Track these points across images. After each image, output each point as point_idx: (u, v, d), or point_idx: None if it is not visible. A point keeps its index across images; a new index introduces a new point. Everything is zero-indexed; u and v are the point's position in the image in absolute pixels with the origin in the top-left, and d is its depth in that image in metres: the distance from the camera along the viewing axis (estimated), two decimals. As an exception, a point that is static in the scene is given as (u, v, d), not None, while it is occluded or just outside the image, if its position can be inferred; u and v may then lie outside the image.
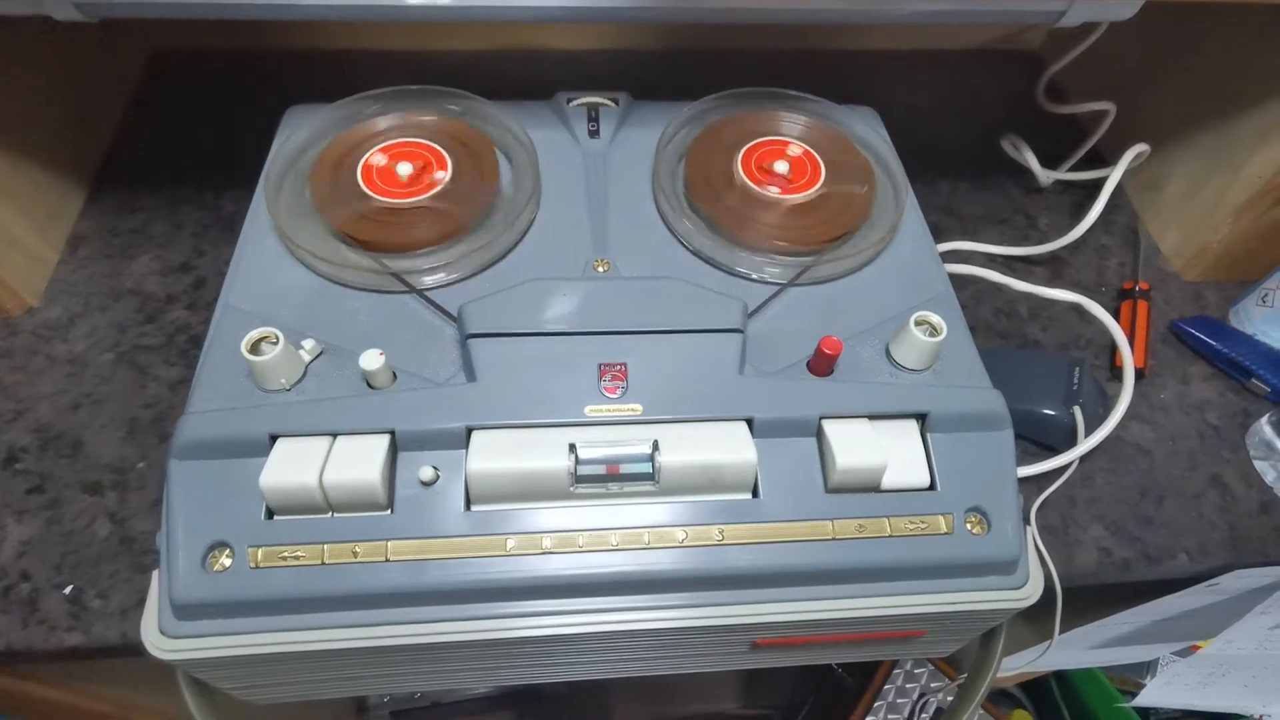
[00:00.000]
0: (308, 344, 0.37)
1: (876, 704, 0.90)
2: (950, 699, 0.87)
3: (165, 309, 0.55)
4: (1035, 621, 0.63)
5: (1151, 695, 0.70)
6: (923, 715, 0.89)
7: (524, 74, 0.73)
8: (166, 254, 0.58)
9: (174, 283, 0.56)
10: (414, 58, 0.74)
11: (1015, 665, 0.67)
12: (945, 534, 0.36)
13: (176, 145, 0.65)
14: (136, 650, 0.42)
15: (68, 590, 0.43)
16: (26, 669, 0.55)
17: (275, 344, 0.35)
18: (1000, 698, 1.01)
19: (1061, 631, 0.54)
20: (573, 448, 0.34)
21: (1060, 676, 0.98)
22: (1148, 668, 0.79)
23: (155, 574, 0.33)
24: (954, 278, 0.46)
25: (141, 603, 0.42)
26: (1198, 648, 0.66)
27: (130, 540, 0.45)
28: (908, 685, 0.91)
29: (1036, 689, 1.01)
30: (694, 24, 0.68)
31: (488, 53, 0.75)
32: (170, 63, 0.72)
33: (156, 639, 0.32)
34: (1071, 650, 0.67)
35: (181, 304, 0.55)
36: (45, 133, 0.56)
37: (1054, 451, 0.51)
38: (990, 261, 0.62)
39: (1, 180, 0.51)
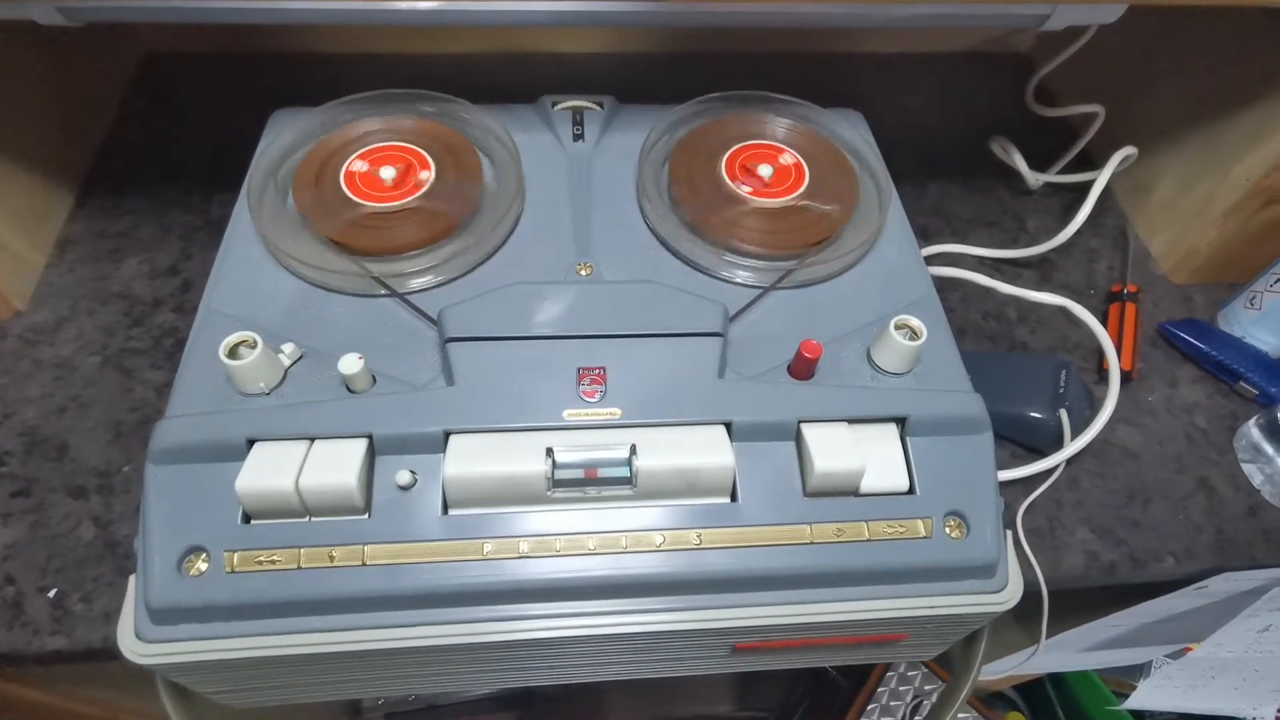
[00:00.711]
0: (288, 348, 0.37)
1: (870, 706, 0.90)
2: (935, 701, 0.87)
3: (153, 312, 0.55)
4: (1026, 623, 0.63)
5: (1143, 698, 0.69)
6: (916, 718, 0.88)
7: (512, 77, 0.73)
8: (154, 257, 0.58)
9: (161, 286, 0.56)
10: (404, 61, 0.74)
11: (1004, 668, 0.67)
12: (924, 538, 0.36)
13: (165, 148, 0.65)
14: (118, 654, 0.43)
15: (51, 594, 0.43)
16: (12, 671, 0.55)
17: (253, 348, 0.35)
18: (995, 700, 1.01)
19: (1051, 634, 0.54)
20: (550, 452, 0.34)
21: (1055, 678, 0.98)
22: (1141, 670, 0.79)
23: (132, 579, 0.33)
24: (942, 280, 0.46)
25: (124, 607, 0.43)
26: (1191, 649, 0.66)
27: (114, 544, 0.45)
28: (901, 688, 0.91)
29: (1032, 691, 1.01)
30: (682, 27, 0.68)
31: (477, 55, 0.75)
32: (160, 66, 0.72)
33: (133, 644, 0.32)
34: (1062, 653, 0.67)
35: (169, 307, 0.55)
36: (34, 136, 0.56)
37: (1041, 454, 0.51)
38: (979, 264, 0.62)
39: (-11, 184, 0.51)
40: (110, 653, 0.43)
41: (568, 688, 1.08)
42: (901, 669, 0.91)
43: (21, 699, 0.58)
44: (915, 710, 0.89)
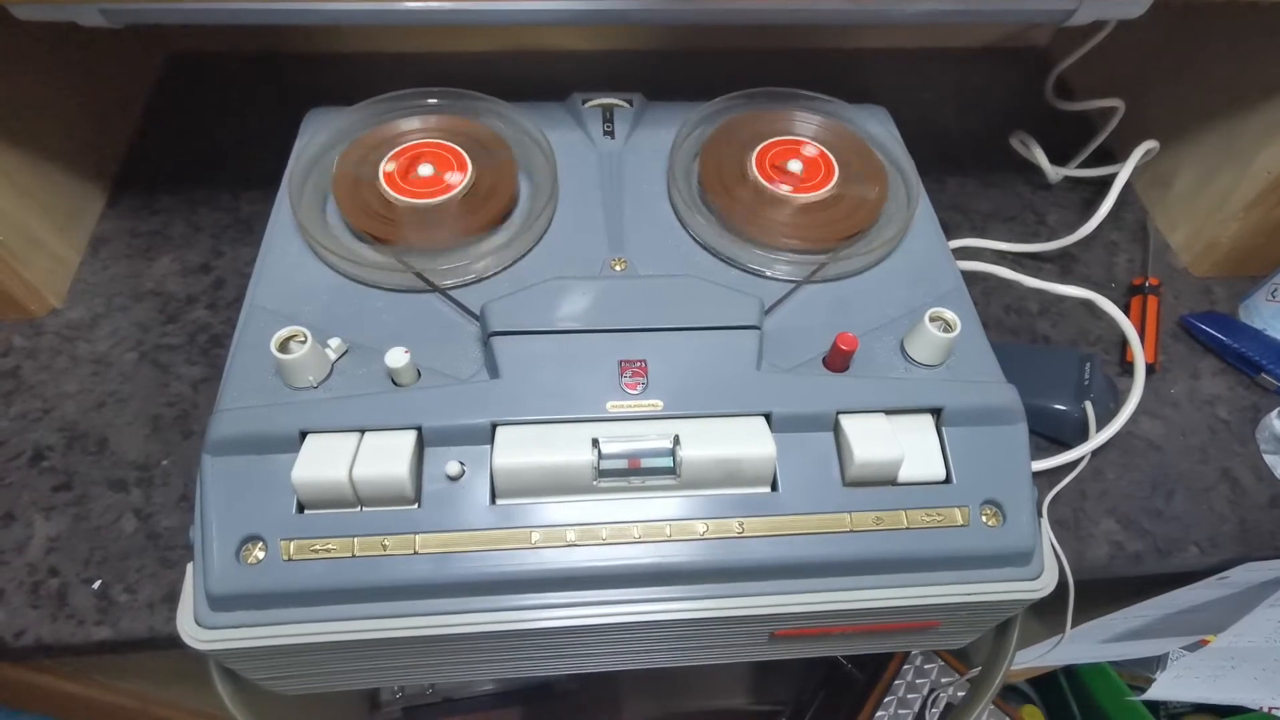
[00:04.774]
0: (333, 342, 0.38)
1: (886, 699, 0.91)
2: (961, 694, 0.88)
3: (186, 309, 0.56)
4: (1045, 616, 0.63)
5: (1161, 689, 0.70)
6: (933, 710, 0.89)
7: (537, 75, 0.74)
8: (186, 255, 0.59)
9: (194, 283, 0.57)
10: (428, 59, 0.75)
11: (1026, 659, 0.68)
12: (961, 526, 0.36)
13: (194, 147, 0.66)
14: (164, 643, 0.43)
15: (96, 585, 0.44)
16: (51, 663, 0.56)
17: (304, 342, 0.35)
18: (1010, 693, 1.01)
19: (1073, 626, 0.54)
20: (595, 442, 0.35)
21: (1069, 672, 0.98)
22: (1157, 662, 0.79)
23: (190, 567, 0.34)
24: (965, 274, 0.47)
25: (167, 597, 0.44)
26: (1207, 641, 0.66)
27: (156, 536, 0.46)
28: (918, 680, 0.91)
29: (1046, 685, 1.02)
30: (700, 25, 0.69)
31: (501, 54, 0.75)
32: (187, 65, 0.72)
33: (192, 629, 0.33)
34: (1082, 644, 0.67)
35: (202, 304, 0.56)
36: (65, 135, 0.57)
37: (1066, 446, 0.52)
38: (1000, 258, 0.62)
39: (24, 182, 0.52)
40: (155, 642, 0.44)
41: (583, 681, 1.09)
42: (918, 661, 0.91)
43: (54, 690, 0.59)
44: (932, 703, 0.89)
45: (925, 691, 0.91)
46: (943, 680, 0.90)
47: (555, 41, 0.76)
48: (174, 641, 0.34)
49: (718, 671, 1.13)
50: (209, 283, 0.57)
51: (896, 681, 0.92)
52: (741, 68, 0.76)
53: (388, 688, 1.01)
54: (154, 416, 0.51)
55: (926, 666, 0.91)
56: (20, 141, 0.52)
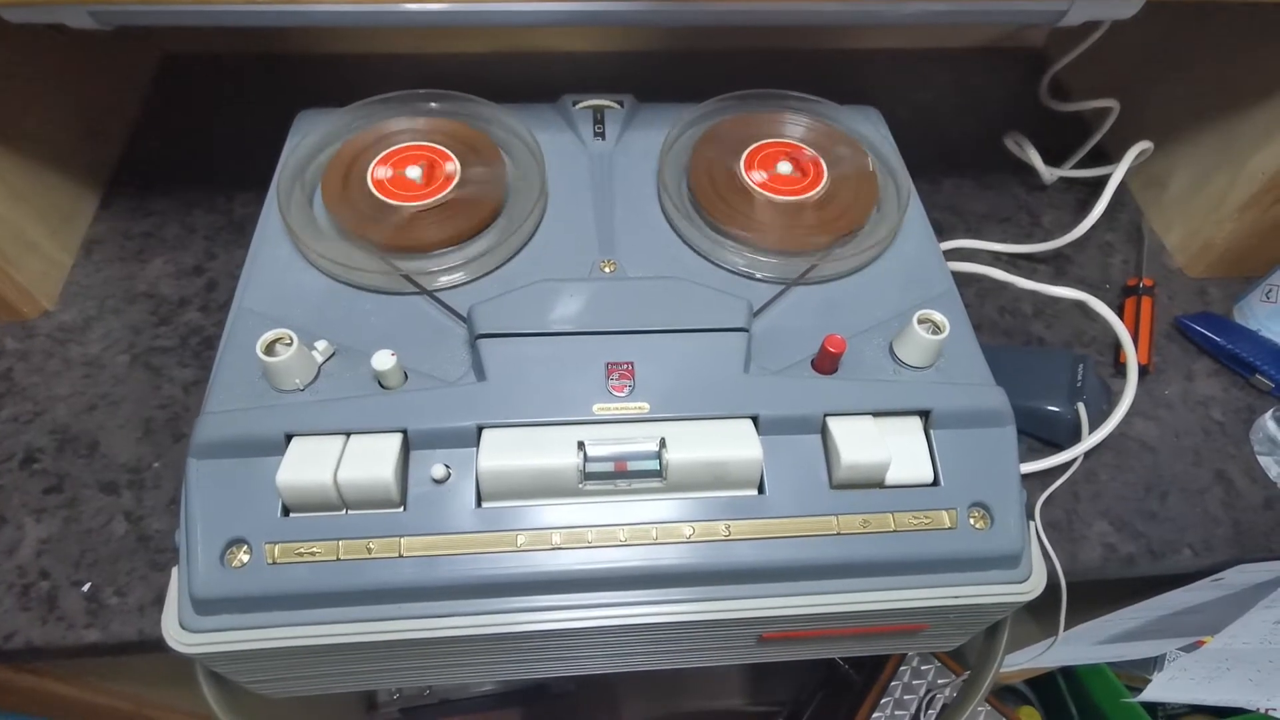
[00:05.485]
0: (320, 345, 0.38)
1: (884, 700, 0.91)
2: (956, 695, 0.87)
3: (178, 311, 0.56)
4: (1040, 618, 0.63)
5: (1157, 690, 0.70)
6: (929, 712, 0.89)
7: (529, 76, 0.74)
8: (179, 257, 0.59)
9: (187, 285, 0.57)
10: (420, 61, 0.75)
11: (1020, 661, 0.68)
12: (949, 529, 0.36)
13: (187, 149, 0.66)
14: (154, 646, 0.43)
15: (86, 588, 0.44)
16: (43, 666, 0.56)
17: (289, 345, 0.35)
18: (1007, 694, 1.01)
19: (1066, 627, 0.54)
20: (581, 445, 0.35)
21: (1067, 673, 0.98)
22: (1154, 663, 0.79)
23: (175, 570, 0.34)
24: (958, 276, 0.47)
25: (158, 600, 0.44)
26: (1203, 643, 0.66)
27: (147, 539, 0.46)
28: (914, 682, 0.91)
29: (1044, 685, 1.02)
30: (694, 26, 0.69)
31: (493, 55, 0.75)
32: (180, 67, 0.73)
33: (177, 633, 0.33)
34: (1077, 646, 0.67)
35: (194, 306, 0.56)
36: (58, 137, 0.57)
37: (1058, 448, 0.52)
38: (994, 259, 0.62)
39: (17, 185, 0.52)
40: (145, 645, 0.44)
41: (580, 682, 1.09)
42: (915, 663, 0.91)
43: (48, 692, 0.59)
44: (929, 704, 0.89)
45: (922, 693, 0.90)
46: (939, 681, 0.90)
47: (548, 42, 0.76)
48: (164, 645, 0.34)
49: (715, 672, 1.13)
50: (201, 285, 0.57)
51: (893, 683, 0.92)
52: (736, 69, 0.76)
53: (384, 689, 1.01)
54: (145, 419, 0.51)
55: (923, 668, 0.91)
56: (13, 144, 0.52)
